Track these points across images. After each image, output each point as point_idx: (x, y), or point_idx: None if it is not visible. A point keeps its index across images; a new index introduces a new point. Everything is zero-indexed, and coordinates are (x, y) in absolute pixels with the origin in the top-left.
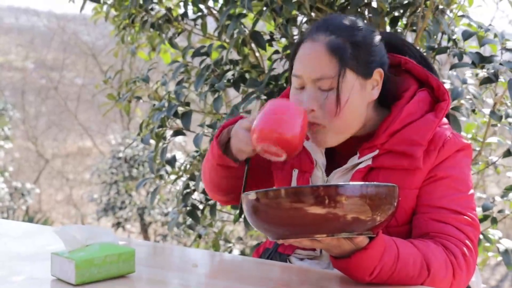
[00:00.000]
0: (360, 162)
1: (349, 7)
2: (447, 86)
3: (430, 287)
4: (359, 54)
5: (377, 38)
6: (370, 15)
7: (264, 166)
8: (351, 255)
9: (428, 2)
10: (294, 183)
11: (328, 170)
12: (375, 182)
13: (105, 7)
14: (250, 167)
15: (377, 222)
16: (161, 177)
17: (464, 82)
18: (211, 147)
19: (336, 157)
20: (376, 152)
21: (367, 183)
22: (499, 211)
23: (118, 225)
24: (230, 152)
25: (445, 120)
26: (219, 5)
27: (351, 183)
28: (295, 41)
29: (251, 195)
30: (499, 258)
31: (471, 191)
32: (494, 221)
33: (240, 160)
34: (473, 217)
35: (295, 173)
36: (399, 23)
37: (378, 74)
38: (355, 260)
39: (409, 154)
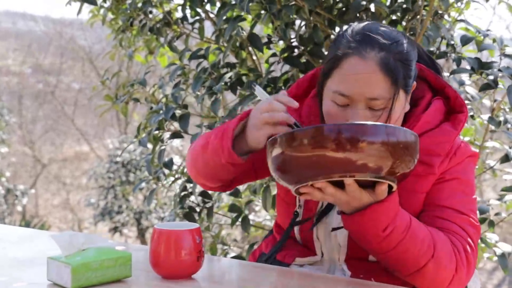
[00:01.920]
0: None
1: (348, 12)
2: None
3: (433, 271)
4: (406, 72)
5: (415, 51)
6: (369, 20)
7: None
8: (368, 207)
9: (427, 7)
10: None
11: None
12: (398, 126)
13: (102, 11)
14: (256, 158)
15: (398, 171)
16: (158, 179)
17: (461, 83)
18: (220, 144)
19: None
20: None
21: (390, 125)
22: (496, 214)
23: (115, 229)
24: (238, 145)
25: None
26: (217, 9)
27: (372, 123)
28: (335, 53)
29: (273, 141)
30: (495, 259)
31: (475, 196)
32: (491, 224)
33: (255, 149)
34: (475, 220)
35: None
36: (398, 28)
37: (413, 87)
38: (371, 212)
39: (426, 162)
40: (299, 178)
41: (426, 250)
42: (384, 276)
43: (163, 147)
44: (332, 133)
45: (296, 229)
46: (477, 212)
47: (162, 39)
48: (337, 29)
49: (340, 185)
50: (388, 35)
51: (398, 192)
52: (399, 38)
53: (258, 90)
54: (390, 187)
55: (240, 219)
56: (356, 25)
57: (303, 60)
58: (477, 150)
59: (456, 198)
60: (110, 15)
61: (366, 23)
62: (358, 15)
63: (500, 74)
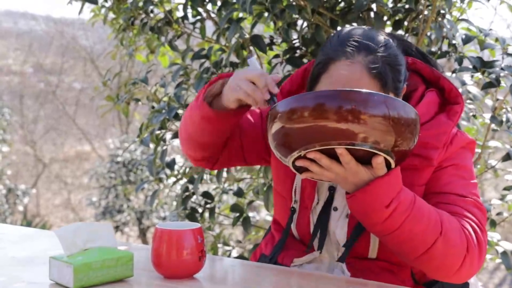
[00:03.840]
0: None
1: (351, 12)
2: None
3: (444, 249)
4: (395, 76)
5: (401, 54)
6: (371, 20)
7: (257, 125)
8: (369, 183)
9: (430, 7)
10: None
11: None
12: (401, 100)
13: (103, 10)
14: (242, 127)
15: (397, 147)
16: (160, 180)
17: (463, 83)
18: (197, 98)
19: None
20: None
21: (392, 97)
22: (498, 214)
23: (116, 228)
24: (217, 104)
25: None
26: (217, 8)
27: (375, 94)
28: (322, 58)
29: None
30: (498, 261)
31: (474, 180)
32: (493, 224)
33: (226, 108)
34: (479, 202)
35: None
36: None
37: (403, 90)
38: (372, 188)
39: (423, 155)
40: (294, 147)
41: (434, 227)
42: (383, 275)
43: (165, 147)
44: (334, 105)
45: (293, 225)
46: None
47: (163, 38)
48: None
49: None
50: (375, 39)
51: None
52: (387, 42)
53: (252, 61)
54: (389, 165)
55: (241, 220)
56: (344, 30)
57: (305, 60)
58: (479, 150)
59: (455, 183)
60: (111, 15)
61: (353, 27)
62: (361, 15)
63: (502, 73)
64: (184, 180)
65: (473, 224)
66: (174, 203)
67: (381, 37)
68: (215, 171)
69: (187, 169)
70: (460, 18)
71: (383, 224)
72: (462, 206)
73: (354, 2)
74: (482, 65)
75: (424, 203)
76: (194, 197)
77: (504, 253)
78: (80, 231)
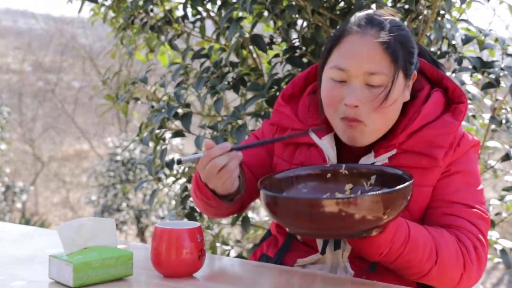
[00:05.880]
0: (375, 162)
1: (351, 12)
2: None
3: (439, 273)
4: (407, 56)
5: (415, 40)
6: None
7: (266, 165)
8: (366, 237)
9: (430, 8)
10: None
11: None
12: (388, 190)
13: (102, 9)
14: (251, 167)
15: (388, 220)
16: (159, 179)
17: (462, 83)
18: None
19: (343, 152)
20: (394, 151)
21: (384, 192)
22: (496, 214)
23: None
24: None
25: None
26: (217, 7)
27: (369, 194)
28: (336, 32)
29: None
30: (496, 260)
31: (481, 186)
32: (492, 224)
33: (232, 193)
34: (484, 211)
35: None
36: None
37: (413, 77)
38: (368, 243)
39: (430, 155)
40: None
41: (429, 257)
42: (387, 275)
43: (164, 146)
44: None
45: None
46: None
47: (163, 38)
48: None
49: None
50: (390, 19)
51: None
52: (401, 24)
53: (185, 159)
54: None
55: (240, 219)
56: (360, 12)
57: (305, 60)
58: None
59: (463, 191)
60: (111, 13)
61: (370, 10)
62: None
63: (501, 73)
64: (183, 179)
65: (474, 240)
66: (173, 202)
67: (397, 21)
68: None
69: (186, 169)
70: (460, 18)
71: (378, 260)
72: (468, 219)
73: (354, 2)
74: (482, 65)
75: (419, 233)
76: None
77: (503, 251)
78: (82, 228)
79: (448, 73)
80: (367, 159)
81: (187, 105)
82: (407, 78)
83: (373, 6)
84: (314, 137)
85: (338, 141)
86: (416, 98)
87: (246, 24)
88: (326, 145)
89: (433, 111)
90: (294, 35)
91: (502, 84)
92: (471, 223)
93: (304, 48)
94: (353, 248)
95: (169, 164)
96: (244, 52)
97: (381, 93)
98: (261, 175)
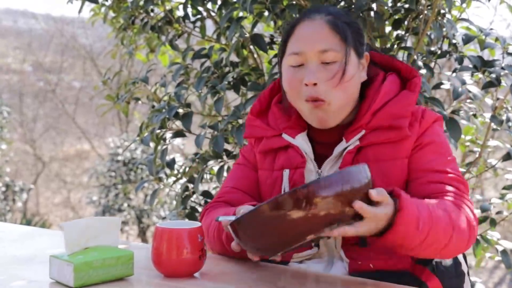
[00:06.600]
0: (347, 146)
1: (351, 12)
2: (447, 87)
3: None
4: (355, 35)
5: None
6: (372, 19)
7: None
8: (392, 222)
9: (430, 7)
10: (286, 183)
11: (316, 162)
12: (346, 170)
13: (103, 9)
14: (247, 190)
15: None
16: (160, 179)
17: (463, 82)
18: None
19: (318, 148)
20: (363, 132)
21: (340, 173)
22: (497, 213)
23: None
24: None
25: None
26: (218, 7)
27: (322, 178)
28: (288, 26)
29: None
30: (497, 258)
31: (453, 155)
32: (493, 223)
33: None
34: (460, 175)
35: (285, 173)
36: (401, 27)
37: (366, 58)
38: (398, 222)
39: (395, 126)
40: (270, 252)
41: (448, 223)
42: (382, 260)
43: (165, 146)
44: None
45: None
46: (474, 206)
47: (163, 38)
48: None
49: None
50: (336, 9)
51: (379, 164)
52: (348, 13)
53: (223, 219)
54: None
55: None
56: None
57: None
58: (479, 149)
59: (438, 160)
60: (111, 13)
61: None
62: (361, 14)
63: (502, 73)
64: (184, 179)
65: (464, 200)
66: (174, 202)
67: (344, 11)
68: (215, 170)
69: (187, 168)
70: (460, 17)
71: (415, 243)
72: (449, 183)
73: (354, 2)
74: (483, 65)
75: (432, 204)
76: (194, 196)
77: (504, 252)
78: (87, 229)
79: (448, 73)
80: (340, 147)
81: (188, 105)
82: (360, 58)
83: (374, 6)
84: (287, 138)
85: (311, 137)
86: (374, 82)
87: (247, 24)
88: (301, 142)
89: (391, 89)
90: None
91: (503, 83)
92: (453, 186)
93: None
94: (392, 242)
95: (170, 164)
96: (245, 52)
97: (338, 71)
98: (258, 193)
